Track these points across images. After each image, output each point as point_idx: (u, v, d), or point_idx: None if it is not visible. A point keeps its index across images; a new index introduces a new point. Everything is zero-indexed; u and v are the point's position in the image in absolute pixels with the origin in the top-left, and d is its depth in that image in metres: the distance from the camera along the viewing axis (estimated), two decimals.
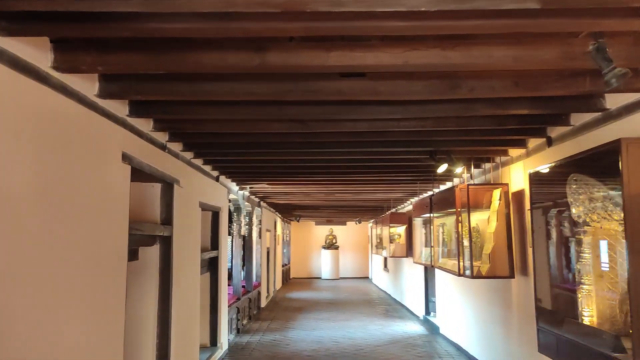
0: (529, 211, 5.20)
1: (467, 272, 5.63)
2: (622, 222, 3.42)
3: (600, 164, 3.62)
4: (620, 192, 3.35)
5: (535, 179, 4.53)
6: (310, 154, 5.75)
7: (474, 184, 5.87)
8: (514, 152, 5.68)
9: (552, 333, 4.19)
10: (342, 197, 11.34)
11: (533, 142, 5.20)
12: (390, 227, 12.63)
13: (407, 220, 12.36)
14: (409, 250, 12.24)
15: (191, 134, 5.08)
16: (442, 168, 5.78)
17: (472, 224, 5.93)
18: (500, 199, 5.55)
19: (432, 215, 7.43)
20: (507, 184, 5.59)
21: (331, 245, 23.79)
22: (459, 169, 6.05)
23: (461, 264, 5.87)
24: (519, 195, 5.53)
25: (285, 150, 5.51)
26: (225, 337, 8.11)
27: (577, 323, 4.04)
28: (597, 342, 3.51)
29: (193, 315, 5.96)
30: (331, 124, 4.53)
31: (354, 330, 10.26)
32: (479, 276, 5.48)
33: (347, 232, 24.32)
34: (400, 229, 12.59)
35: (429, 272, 11.13)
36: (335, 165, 6.65)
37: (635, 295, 2.90)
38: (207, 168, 6.82)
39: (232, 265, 10.56)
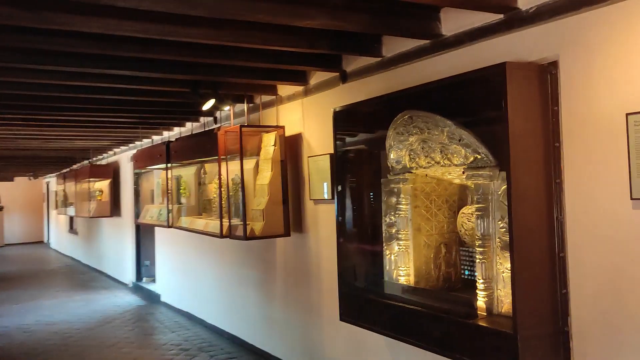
0: (310, 159, 4.52)
1: (238, 233, 4.65)
2: (465, 166, 2.97)
3: (451, 98, 3.09)
4: (465, 132, 2.88)
5: (341, 119, 3.81)
6: None
7: (247, 126, 4.87)
8: (288, 89, 4.88)
9: (361, 297, 3.61)
10: (22, 144, 8.73)
11: (318, 78, 4.48)
12: (89, 181, 10.54)
13: (111, 173, 10.51)
14: (114, 208, 10.47)
15: None
16: (207, 105, 4.59)
17: (235, 175, 4.95)
18: (275, 145, 4.71)
19: (169, 165, 6.13)
20: (283, 127, 4.77)
21: None
22: (226, 108, 4.94)
23: (225, 223, 4.85)
24: (295, 140, 4.79)
25: None
26: None
27: (392, 283, 3.55)
28: (433, 303, 3.04)
29: None
30: None
31: (50, 313, 8.15)
32: (252, 237, 4.57)
33: (15, 190, 20.14)
34: (101, 184, 10.65)
35: (141, 232, 9.68)
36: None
37: (517, 254, 2.44)
38: None
39: None
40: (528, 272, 2.53)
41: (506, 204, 2.79)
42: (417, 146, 3.28)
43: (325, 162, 4.34)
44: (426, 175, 3.44)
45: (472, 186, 2.94)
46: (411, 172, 3.43)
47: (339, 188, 3.84)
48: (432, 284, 3.52)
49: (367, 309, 3.54)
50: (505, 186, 2.80)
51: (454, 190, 3.62)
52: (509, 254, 2.76)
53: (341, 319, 3.77)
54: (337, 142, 3.84)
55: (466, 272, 3.53)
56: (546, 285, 2.57)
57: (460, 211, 3.44)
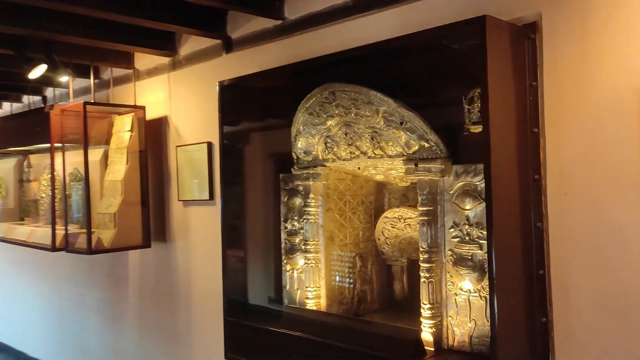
0: (180, 149, 3.55)
1: (79, 245, 3.48)
2: (403, 157, 2.31)
3: (392, 69, 2.39)
4: (410, 112, 2.22)
5: (230, 96, 2.92)
6: None
7: (94, 104, 3.67)
8: (149, 60, 3.83)
9: (257, 328, 2.76)
10: None
11: (192, 46, 3.53)
12: None
13: None
14: None
15: None
16: (36, 72, 3.35)
17: (74, 168, 3.78)
18: (131, 130, 3.64)
19: None
20: (143, 108, 3.71)
21: None
22: (63, 78, 3.70)
23: (60, 231, 3.64)
24: (159, 125, 3.76)
25: None
26: None
27: (299, 309, 2.76)
28: (362, 338, 2.32)
29: None
30: None
31: None
32: (99, 250, 3.44)
33: None
34: None
35: None
36: None
37: (499, 274, 1.81)
38: None
39: None
40: (507, 295, 1.91)
41: (461, 206, 2.17)
42: (337, 132, 2.53)
43: (201, 153, 3.41)
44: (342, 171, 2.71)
45: (417, 183, 2.28)
46: (324, 166, 2.68)
47: (225, 186, 2.94)
48: (345, 307, 2.80)
49: (265, 343, 2.69)
50: (460, 184, 2.18)
51: (370, 189, 2.94)
52: (465, 271, 2.14)
53: (227, 357, 2.87)
54: (224, 127, 2.93)
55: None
56: (522, 312, 1.98)
57: (383, 215, 2.77)
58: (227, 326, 2.87)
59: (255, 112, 3.00)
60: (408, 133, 2.24)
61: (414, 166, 2.20)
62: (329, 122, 2.53)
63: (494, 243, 1.82)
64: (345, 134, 2.49)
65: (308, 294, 2.72)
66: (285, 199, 2.93)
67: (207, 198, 3.39)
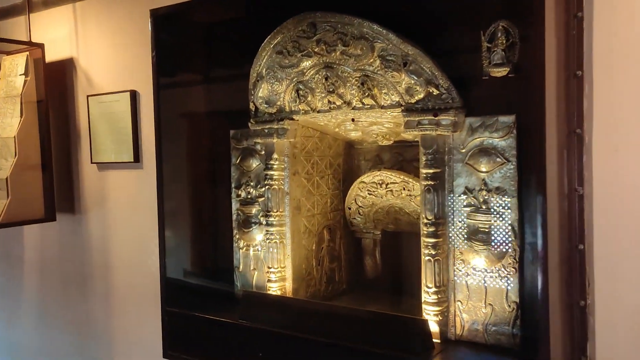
0: (93, 99, 2.86)
1: None
2: (401, 106, 1.87)
3: None
4: (417, 50, 1.78)
5: (168, 29, 2.29)
6: None
7: None
8: None
9: (205, 321, 2.24)
10: None
11: None
12: None
13: None
14: None
15: None
16: None
17: None
18: (26, 75, 2.86)
19: None
20: (41, 46, 2.92)
21: None
22: None
23: None
24: (63, 69, 3.01)
25: None
26: None
27: (260, 294, 2.26)
28: (350, 329, 1.88)
29: None
30: None
31: None
32: None
33: None
34: None
35: None
36: None
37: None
38: None
39: None
40: (540, 275, 1.56)
41: (476, 168, 1.78)
42: (314, 76, 2.02)
43: (122, 105, 2.75)
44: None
45: (419, 140, 1.84)
46: (292, 119, 2.16)
47: (162, 145, 2.33)
48: (313, 290, 2.35)
49: (220, 339, 2.18)
50: (476, 140, 1.78)
51: (338, 150, 2.48)
52: (481, 247, 1.76)
53: (166, 356, 2.33)
54: (159, 70, 2.30)
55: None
56: (557, 294, 1.64)
57: (359, 180, 2.33)
58: (167, 318, 2.31)
59: (199, 52, 2.40)
60: (413, 77, 1.79)
61: (433, 116, 1.76)
62: (304, 64, 2.01)
63: (524, 212, 1.44)
64: (326, 79, 1.98)
65: (271, 276, 2.23)
66: (238, 161, 2.39)
67: (131, 160, 2.74)
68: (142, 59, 2.57)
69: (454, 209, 1.83)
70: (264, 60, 2.10)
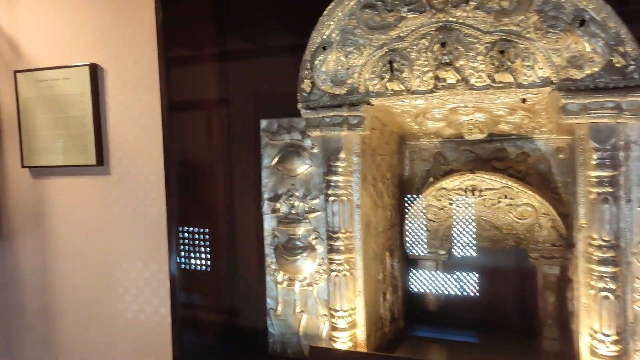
0: (26, 76, 2.01)
1: None
2: (552, 84, 1.35)
3: None
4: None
5: None
6: None
7: None
8: None
9: None
10: None
11: None
12: None
13: None
14: None
15: None
16: None
17: None
18: None
19: None
20: None
21: None
22: None
23: None
24: None
25: None
26: None
27: (317, 348, 1.61)
28: None
29: None
30: None
31: None
32: None
33: None
34: None
35: None
36: None
37: None
38: None
39: None
40: None
41: None
42: (418, 41, 1.41)
43: (75, 85, 1.92)
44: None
45: (587, 131, 1.32)
46: (369, 104, 1.54)
47: (170, 143, 1.58)
48: (380, 334, 1.75)
49: None
50: None
51: (394, 147, 1.90)
52: None
53: None
54: (166, 38, 1.55)
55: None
56: None
57: (437, 186, 1.77)
58: None
59: (215, 14, 1.68)
60: (592, 40, 1.26)
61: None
62: (408, 23, 1.40)
63: None
64: (442, 45, 1.39)
65: (338, 322, 1.59)
66: (275, 162, 1.71)
67: (92, 163, 1.93)
68: (108, 20, 1.78)
69: (633, 224, 1.34)
70: (337, 20, 1.46)
